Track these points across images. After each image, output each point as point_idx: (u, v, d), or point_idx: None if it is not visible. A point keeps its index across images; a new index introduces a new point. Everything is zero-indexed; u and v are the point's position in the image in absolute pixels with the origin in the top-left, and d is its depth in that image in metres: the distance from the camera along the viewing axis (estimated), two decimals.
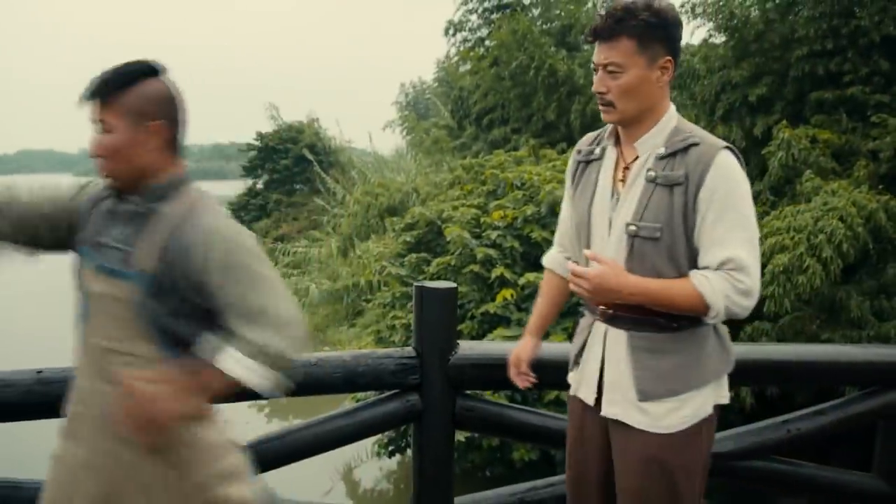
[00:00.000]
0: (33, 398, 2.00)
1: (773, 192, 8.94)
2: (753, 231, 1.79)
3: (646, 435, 1.83)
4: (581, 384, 1.97)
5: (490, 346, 2.54)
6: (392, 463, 8.96)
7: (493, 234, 7.29)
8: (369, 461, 8.81)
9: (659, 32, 1.79)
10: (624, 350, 1.86)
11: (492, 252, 7.09)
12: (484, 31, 18.32)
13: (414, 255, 8.35)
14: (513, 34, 14.23)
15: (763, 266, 7.50)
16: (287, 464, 2.22)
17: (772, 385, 6.26)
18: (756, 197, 9.13)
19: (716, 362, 1.89)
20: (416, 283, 2.37)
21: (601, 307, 1.90)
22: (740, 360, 2.53)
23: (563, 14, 16.02)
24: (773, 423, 2.60)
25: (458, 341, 2.38)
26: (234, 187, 26.29)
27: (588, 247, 1.91)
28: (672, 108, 1.89)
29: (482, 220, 7.70)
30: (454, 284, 2.36)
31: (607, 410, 1.90)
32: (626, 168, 1.88)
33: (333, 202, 19.23)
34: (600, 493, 1.98)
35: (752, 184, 9.31)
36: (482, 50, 17.37)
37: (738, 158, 1.82)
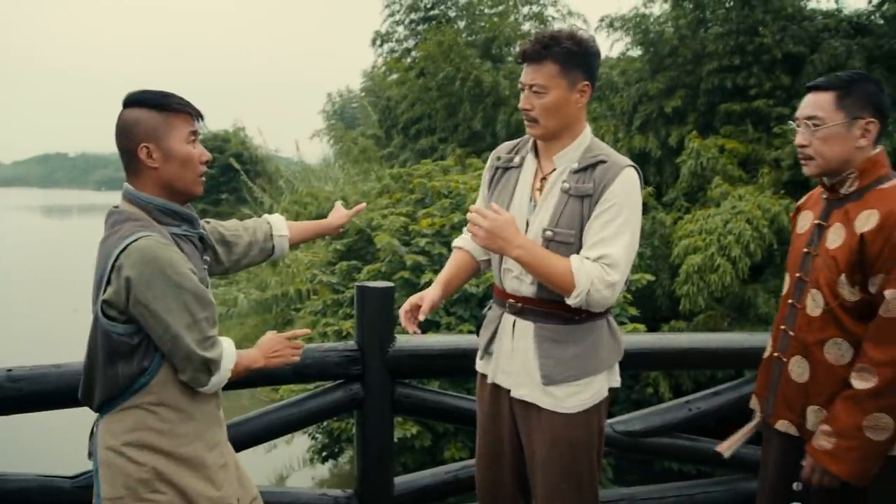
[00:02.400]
0: (4, 393, 2.15)
1: (686, 198, 9.43)
2: (634, 239, 2.02)
3: (552, 415, 2.06)
4: (497, 371, 2.18)
5: (424, 339, 2.78)
6: (324, 471, 9.02)
7: (422, 242, 7.44)
8: (301, 469, 8.85)
9: (579, 60, 2.01)
10: (531, 340, 2.09)
11: (421, 259, 7.25)
12: (411, 43, 18.50)
13: (345, 263, 8.42)
14: (439, 46, 14.46)
15: (678, 266, 7.95)
16: (244, 449, 2.40)
17: (675, 370, 6.62)
18: (671, 203, 9.65)
19: (609, 351, 2.11)
20: (357, 284, 2.58)
21: (510, 300, 2.13)
22: (649, 348, 2.86)
23: (487, 26, 16.32)
24: (676, 404, 2.91)
25: (396, 335, 2.60)
26: None
27: None
28: (588, 128, 2.11)
29: (411, 227, 7.83)
30: (392, 284, 2.59)
31: (516, 393, 2.12)
32: (544, 178, 2.11)
33: (261, 212, 19.08)
34: (512, 465, 2.21)
35: (667, 191, 9.84)
36: (409, 61, 17.58)
37: (639, 175, 2.06)
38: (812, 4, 11.14)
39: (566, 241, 2.01)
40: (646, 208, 9.50)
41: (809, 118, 1.98)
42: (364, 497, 2.62)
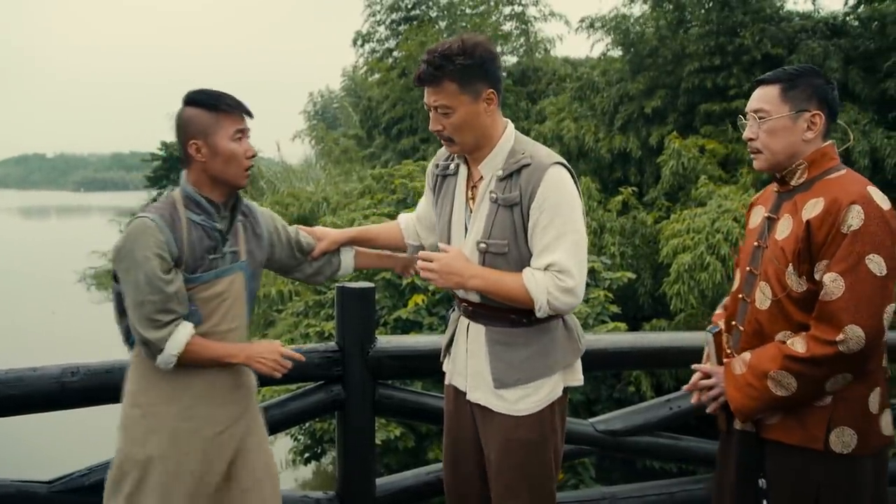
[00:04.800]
0: None
1: (667, 197, 9.50)
2: (579, 235, 1.99)
3: (504, 417, 2.06)
4: (454, 373, 2.21)
5: (406, 339, 2.77)
6: (307, 472, 9.00)
7: None
8: (284, 471, 8.83)
9: (476, 71, 1.97)
10: (482, 343, 2.09)
11: None
12: (392, 43, 18.52)
13: None
14: (420, 46, 14.49)
15: (668, 266, 8.00)
16: None
17: (655, 369, 6.66)
18: (652, 203, 9.71)
19: (564, 352, 2.10)
20: (337, 285, 2.57)
21: (463, 304, 2.14)
22: (629, 348, 2.88)
23: (468, 26, 16.37)
24: (657, 403, 2.91)
25: (377, 336, 2.59)
26: (138, 198, 25.74)
27: None
28: (510, 128, 2.09)
29: None
30: (371, 285, 2.57)
31: (471, 396, 2.13)
32: (474, 186, 2.12)
33: None
34: (477, 465, 2.21)
35: (648, 191, 9.91)
36: (391, 61, 17.59)
37: (568, 171, 2.02)
38: (789, 6, 11.26)
39: (500, 251, 2.01)
40: (627, 207, 9.55)
41: (756, 111, 1.97)
42: (345, 498, 2.61)
